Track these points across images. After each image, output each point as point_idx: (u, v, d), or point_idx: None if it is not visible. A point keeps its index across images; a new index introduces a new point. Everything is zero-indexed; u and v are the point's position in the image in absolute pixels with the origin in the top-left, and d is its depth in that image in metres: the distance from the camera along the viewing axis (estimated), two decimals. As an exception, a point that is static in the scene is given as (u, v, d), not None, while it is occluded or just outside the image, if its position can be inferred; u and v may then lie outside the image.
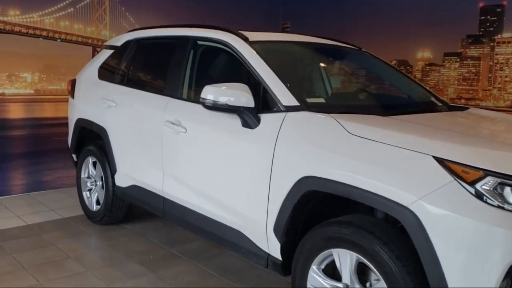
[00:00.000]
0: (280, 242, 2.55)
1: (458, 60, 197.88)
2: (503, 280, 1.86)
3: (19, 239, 3.95)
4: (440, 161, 1.98)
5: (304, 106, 2.60)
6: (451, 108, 3.31)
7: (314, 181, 2.33)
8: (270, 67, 2.84)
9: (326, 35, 3.79)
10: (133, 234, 4.12)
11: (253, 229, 2.72)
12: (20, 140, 30.29)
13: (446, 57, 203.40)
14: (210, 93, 2.73)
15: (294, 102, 2.63)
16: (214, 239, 3.11)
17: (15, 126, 39.99)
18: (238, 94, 2.67)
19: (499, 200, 1.88)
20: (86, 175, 4.44)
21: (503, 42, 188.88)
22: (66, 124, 4.79)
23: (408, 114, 2.72)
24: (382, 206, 2.11)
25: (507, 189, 1.89)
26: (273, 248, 2.61)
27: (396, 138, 2.15)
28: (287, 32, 4.06)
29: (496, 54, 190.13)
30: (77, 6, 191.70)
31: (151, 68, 4.04)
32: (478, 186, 1.91)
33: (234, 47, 3.06)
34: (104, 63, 4.37)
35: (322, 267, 2.37)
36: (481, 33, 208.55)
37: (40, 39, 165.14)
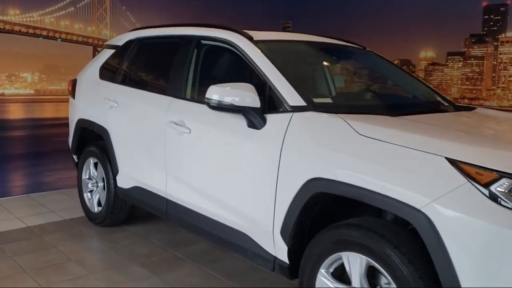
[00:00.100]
0: (287, 245, 2.50)
1: (461, 59, 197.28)
2: None
3: (19, 241, 3.89)
4: (453, 162, 1.93)
5: (311, 106, 2.55)
6: (458, 108, 3.26)
7: (322, 183, 2.28)
8: (275, 66, 2.79)
9: (328, 35, 3.72)
10: (136, 236, 4.07)
11: (259, 231, 2.67)
12: (20, 140, 30.20)
13: (449, 57, 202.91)
14: (215, 93, 2.68)
15: (301, 102, 2.58)
16: (219, 241, 3.06)
17: (15, 127, 39.87)
18: (244, 94, 2.62)
19: (515, 202, 1.83)
20: (87, 176, 4.39)
21: (507, 42, 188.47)
22: (67, 125, 4.74)
23: (416, 114, 2.67)
24: (393, 208, 2.06)
25: None
26: (280, 251, 2.56)
27: (407, 139, 2.10)
28: (288, 31, 4.00)
29: (500, 54, 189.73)
30: (78, 6, 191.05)
31: (154, 68, 3.99)
32: (492, 188, 1.86)
33: (239, 47, 3.01)
34: (106, 63, 4.32)
35: (331, 270, 2.32)
36: (484, 32, 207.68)
37: (40, 38, 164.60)
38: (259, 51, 2.91)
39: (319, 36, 3.65)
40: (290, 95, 2.62)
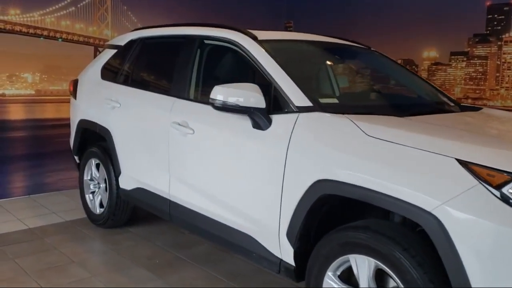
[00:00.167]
0: (293, 247, 2.46)
1: (465, 59, 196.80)
2: None
3: (21, 243, 3.86)
4: (464, 164, 1.90)
5: (317, 107, 2.52)
6: (464, 109, 3.23)
7: (330, 185, 2.25)
8: (280, 66, 2.76)
9: (331, 34, 3.70)
10: (138, 238, 4.04)
11: (265, 233, 2.64)
12: (20, 141, 30.20)
13: (453, 56, 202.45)
14: (219, 93, 2.64)
15: (307, 102, 2.54)
16: (223, 243, 3.03)
17: (16, 128, 39.85)
18: (249, 95, 2.59)
19: (527, 204, 1.80)
20: (89, 177, 4.36)
21: (511, 41, 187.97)
22: (68, 125, 4.70)
23: (423, 115, 2.64)
24: (402, 210, 2.03)
25: None
26: (286, 253, 2.53)
27: (417, 140, 2.07)
28: (290, 31, 3.97)
29: (504, 53, 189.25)
30: (79, 5, 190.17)
31: (156, 68, 3.95)
32: (504, 190, 1.82)
33: (243, 46, 2.98)
34: (107, 63, 4.29)
35: (338, 273, 2.28)
36: (488, 32, 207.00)
37: (41, 39, 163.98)
38: (264, 51, 2.88)
39: (324, 35, 3.62)
40: (295, 95, 2.59)
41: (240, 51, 3.02)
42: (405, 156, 2.04)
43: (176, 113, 3.23)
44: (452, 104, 3.32)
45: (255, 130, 2.66)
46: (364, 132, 2.20)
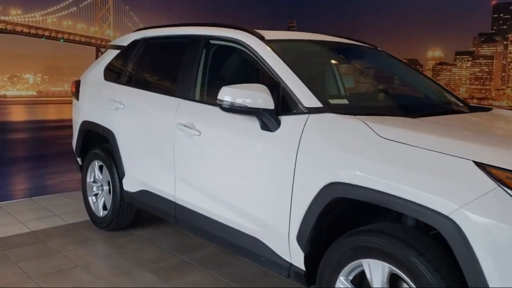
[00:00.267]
0: (304, 251, 2.41)
1: (470, 59, 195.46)
2: None
3: (23, 246, 3.80)
4: (481, 166, 1.85)
5: (327, 108, 2.47)
6: (473, 109, 3.19)
7: (342, 188, 2.20)
8: (289, 66, 2.71)
9: (335, 34, 3.65)
10: (142, 241, 3.99)
11: (274, 237, 2.59)
12: (22, 143, 30.11)
13: (458, 56, 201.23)
14: (227, 94, 2.59)
15: (316, 103, 2.49)
16: (231, 247, 2.98)
17: (17, 129, 39.77)
18: (257, 95, 2.54)
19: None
20: (92, 180, 4.30)
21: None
22: (70, 127, 4.65)
23: (434, 116, 2.59)
24: (417, 214, 1.98)
25: None
26: (296, 257, 2.48)
27: (432, 142, 2.02)
28: (292, 31, 3.92)
29: (510, 53, 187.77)
30: (80, 5, 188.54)
31: (161, 68, 3.90)
32: None
33: (250, 46, 2.93)
34: (110, 63, 4.24)
35: (351, 278, 2.23)
36: (494, 31, 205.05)
37: (43, 39, 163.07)
38: (272, 51, 2.83)
39: (330, 35, 3.57)
40: (305, 96, 2.54)
41: (246, 51, 2.97)
42: (421, 158, 1.99)
43: (181, 114, 3.18)
44: (461, 105, 3.28)
45: (263, 131, 2.61)
46: (377, 133, 2.15)
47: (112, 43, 4.47)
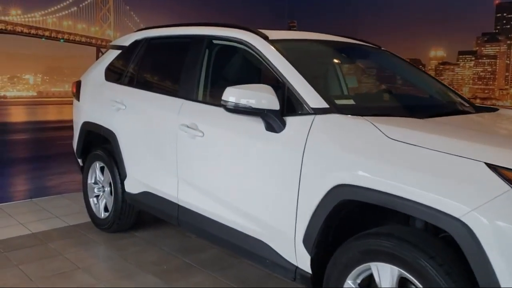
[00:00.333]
0: (310, 254, 2.38)
1: (473, 58, 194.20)
2: None
3: (24, 248, 3.76)
4: (493, 168, 1.82)
5: (333, 108, 2.43)
6: (479, 109, 3.15)
7: (349, 190, 2.16)
8: (294, 66, 2.67)
9: (338, 34, 3.61)
10: (144, 243, 3.95)
11: (279, 240, 2.55)
12: (22, 144, 30.03)
13: (461, 56, 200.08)
14: (232, 95, 2.56)
15: (322, 104, 2.46)
16: (235, 249, 2.94)
17: (17, 130, 39.68)
18: (262, 96, 2.50)
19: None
20: (93, 181, 4.26)
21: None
22: (70, 127, 4.61)
23: (442, 116, 2.56)
24: (427, 216, 1.94)
25: None
26: (302, 260, 2.44)
27: (442, 143, 1.98)
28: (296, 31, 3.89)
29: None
30: (81, 5, 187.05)
31: (163, 69, 3.86)
32: None
33: (254, 46, 2.89)
34: (111, 64, 4.19)
35: (358, 281, 2.20)
36: (497, 30, 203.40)
37: (43, 39, 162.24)
38: (276, 51, 2.80)
39: (334, 35, 3.53)
40: (310, 96, 2.51)
41: (250, 51, 2.93)
42: (431, 160, 1.95)
43: (184, 115, 3.14)
44: (467, 105, 3.24)
45: (268, 132, 2.57)
46: (385, 135, 2.12)
47: (113, 43, 4.43)
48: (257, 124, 2.61)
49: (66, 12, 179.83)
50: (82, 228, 4.24)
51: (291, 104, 2.58)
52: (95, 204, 4.24)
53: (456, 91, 3.47)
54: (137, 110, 3.65)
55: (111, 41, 4.67)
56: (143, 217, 4.28)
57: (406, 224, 2.30)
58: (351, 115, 2.35)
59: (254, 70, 3.15)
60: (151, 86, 3.82)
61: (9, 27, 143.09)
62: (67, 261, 3.54)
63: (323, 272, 2.34)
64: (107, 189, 4.09)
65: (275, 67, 2.72)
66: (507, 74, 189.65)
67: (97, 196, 4.25)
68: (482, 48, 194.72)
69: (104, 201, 4.16)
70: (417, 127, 2.19)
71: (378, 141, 2.12)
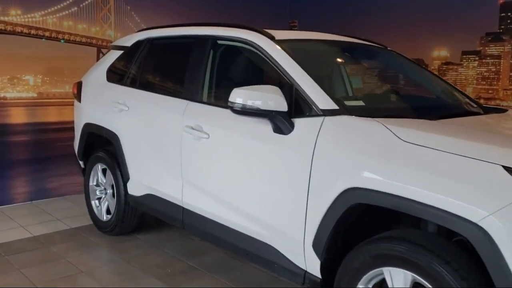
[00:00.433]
0: (320, 259, 2.33)
1: (476, 58, 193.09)
2: None
3: (26, 252, 3.71)
4: (511, 171, 1.78)
5: (343, 110, 2.39)
6: (487, 110, 3.11)
7: (361, 193, 2.12)
8: (301, 67, 2.62)
9: (342, 34, 3.56)
10: (147, 246, 3.89)
11: (288, 244, 2.51)
12: (22, 146, 29.91)
13: (464, 56, 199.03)
14: (239, 96, 2.51)
15: (332, 105, 2.41)
16: (241, 253, 2.89)
17: (17, 132, 39.54)
18: (270, 97, 2.46)
19: None
20: (95, 183, 4.21)
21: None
22: (71, 129, 4.56)
23: (453, 118, 2.52)
24: (442, 220, 1.90)
25: None
26: (312, 265, 2.40)
27: (457, 145, 1.94)
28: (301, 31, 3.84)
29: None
30: (81, 5, 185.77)
31: (166, 69, 3.80)
32: None
33: (260, 47, 2.85)
34: (113, 64, 4.14)
35: (370, 286, 2.15)
36: (501, 30, 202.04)
37: (43, 40, 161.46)
38: (283, 51, 2.75)
39: (339, 35, 3.49)
40: (319, 97, 2.46)
41: (256, 51, 2.89)
42: (445, 163, 1.91)
43: (189, 116, 3.10)
44: (475, 106, 3.20)
45: (276, 134, 2.53)
46: (398, 137, 2.07)
47: (115, 43, 4.38)
48: (265, 126, 2.57)
49: (67, 12, 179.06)
50: (84, 231, 4.19)
51: (299, 106, 2.53)
52: (97, 207, 4.19)
53: (463, 92, 3.43)
54: (140, 112, 3.60)
55: (111, 42, 4.62)
56: (146, 219, 4.23)
57: (416, 228, 2.26)
58: (361, 116, 2.31)
59: (260, 71, 3.10)
60: (154, 87, 3.77)
61: (9, 28, 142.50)
62: (70, 265, 3.49)
63: (333, 277, 2.30)
64: (109, 191, 4.04)
65: (282, 67, 2.67)
66: (511, 74, 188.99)
67: (99, 199, 4.20)
68: (486, 48, 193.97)
69: (106, 203, 4.11)
70: (430, 128, 2.15)
71: (390, 143, 2.08)
